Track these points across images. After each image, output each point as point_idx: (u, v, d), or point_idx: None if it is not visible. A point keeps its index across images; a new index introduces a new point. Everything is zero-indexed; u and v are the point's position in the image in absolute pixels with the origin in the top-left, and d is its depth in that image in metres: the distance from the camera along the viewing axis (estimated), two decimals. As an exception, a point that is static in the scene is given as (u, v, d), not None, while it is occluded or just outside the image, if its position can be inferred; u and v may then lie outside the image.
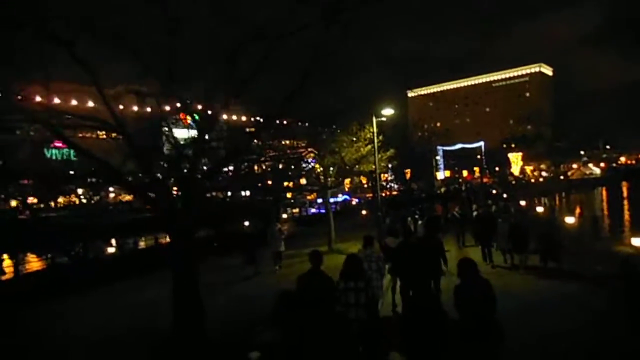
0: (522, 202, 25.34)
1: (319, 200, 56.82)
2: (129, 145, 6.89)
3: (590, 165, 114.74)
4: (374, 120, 16.70)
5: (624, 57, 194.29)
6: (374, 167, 17.45)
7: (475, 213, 16.74)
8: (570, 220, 16.82)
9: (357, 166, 17.57)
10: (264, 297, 6.97)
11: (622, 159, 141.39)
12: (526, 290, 9.87)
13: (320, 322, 3.94)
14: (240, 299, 11.16)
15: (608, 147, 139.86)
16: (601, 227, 23.08)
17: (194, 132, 8.48)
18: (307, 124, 18.50)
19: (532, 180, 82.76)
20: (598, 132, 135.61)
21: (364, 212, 34.54)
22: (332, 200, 58.09)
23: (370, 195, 64.66)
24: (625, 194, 64.63)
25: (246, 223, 32.70)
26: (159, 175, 7.67)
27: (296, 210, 52.08)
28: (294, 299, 4.11)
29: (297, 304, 4.05)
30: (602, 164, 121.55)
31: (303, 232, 29.27)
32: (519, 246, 11.09)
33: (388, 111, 16.89)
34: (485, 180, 77.38)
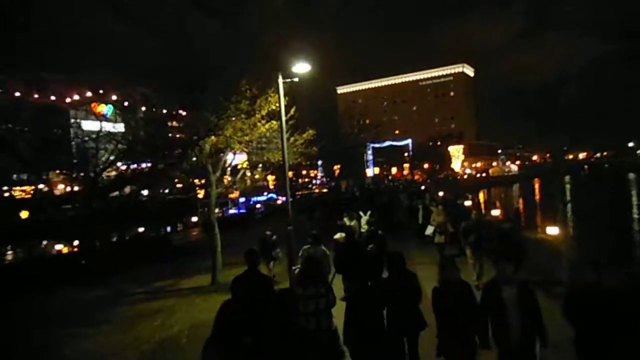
0: (467, 203, 21.92)
1: (241, 200, 51.02)
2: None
3: (508, 163, 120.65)
4: (281, 81, 10.46)
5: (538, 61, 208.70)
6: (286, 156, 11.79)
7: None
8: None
9: (257, 153, 12.18)
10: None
11: (535, 157, 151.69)
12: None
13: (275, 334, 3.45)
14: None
15: (520, 146, 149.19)
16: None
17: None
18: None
19: (458, 177, 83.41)
20: (512, 132, 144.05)
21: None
22: (257, 199, 52.77)
23: (301, 192, 60.13)
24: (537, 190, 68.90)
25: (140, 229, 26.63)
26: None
27: (216, 211, 45.82)
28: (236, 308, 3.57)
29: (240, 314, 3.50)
30: (517, 162, 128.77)
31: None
32: None
33: (302, 67, 10.56)
34: (416, 177, 76.27)
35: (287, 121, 11.30)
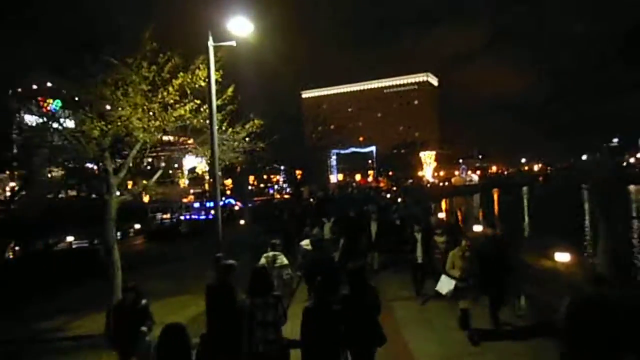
0: (441, 215, 19.83)
1: (196, 205, 47.45)
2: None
3: (469, 172, 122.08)
4: (211, 45, 7.62)
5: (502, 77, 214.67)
6: (221, 149, 8.58)
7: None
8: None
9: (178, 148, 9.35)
10: None
11: (494, 168, 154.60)
12: None
13: None
14: None
15: (481, 156, 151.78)
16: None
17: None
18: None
19: (426, 185, 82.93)
20: (473, 142, 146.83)
21: (242, 221, 26.88)
22: (212, 204, 49.14)
23: (260, 198, 56.97)
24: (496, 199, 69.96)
25: (69, 238, 23.15)
26: None
27: (166, 216, 42.27)
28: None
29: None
30: (478, 172, 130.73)
31: (152, 253, 20.47)
32: None
33: (240, 26, 7.62)
34: (381, 184, 74.91)
35: (223, 106, 8.47)
